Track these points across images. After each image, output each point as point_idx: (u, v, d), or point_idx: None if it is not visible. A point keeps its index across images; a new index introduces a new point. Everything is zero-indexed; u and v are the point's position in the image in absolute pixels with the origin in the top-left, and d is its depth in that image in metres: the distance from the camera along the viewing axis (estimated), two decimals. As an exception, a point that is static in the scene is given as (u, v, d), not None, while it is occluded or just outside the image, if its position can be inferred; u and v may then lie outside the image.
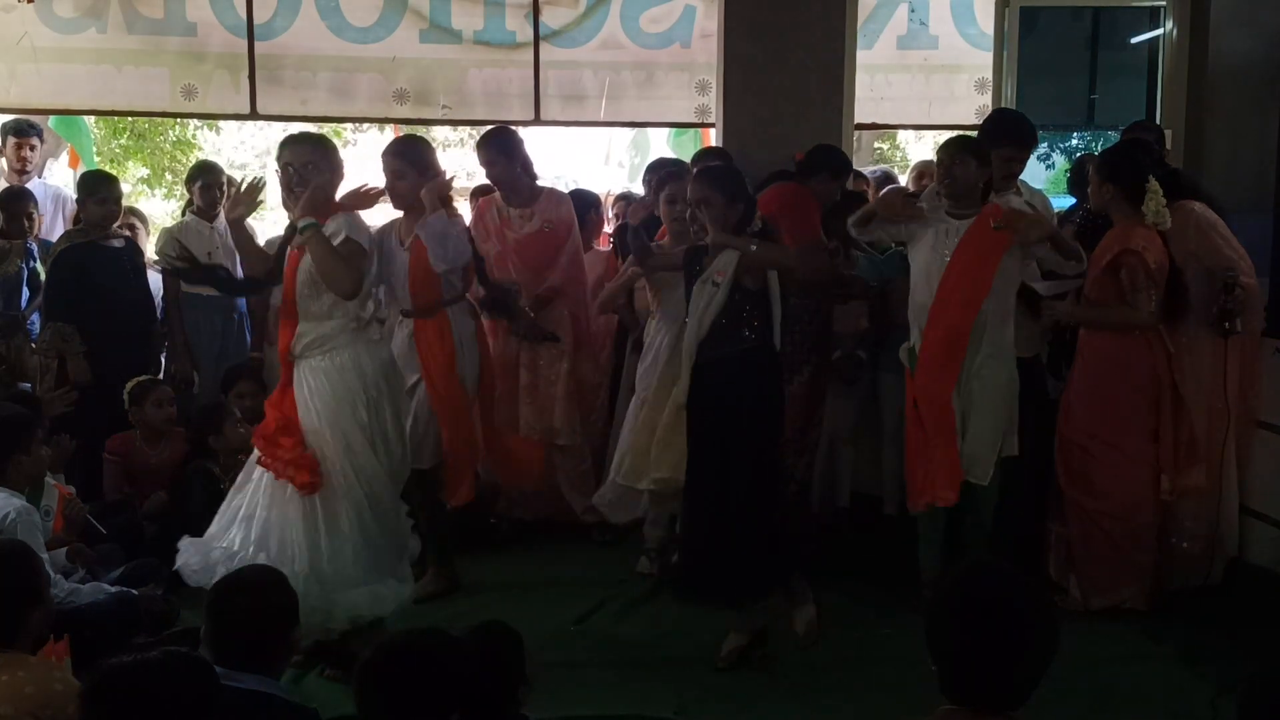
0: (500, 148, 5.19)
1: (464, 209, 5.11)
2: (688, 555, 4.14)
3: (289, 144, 3.93)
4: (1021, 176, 4.88)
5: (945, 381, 4.28)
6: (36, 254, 5.76)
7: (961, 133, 5.03)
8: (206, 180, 5.98)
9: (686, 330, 3.99)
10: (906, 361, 4.44)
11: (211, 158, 15.69)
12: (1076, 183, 6.65)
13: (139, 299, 5.68)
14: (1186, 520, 4.56)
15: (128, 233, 5.94)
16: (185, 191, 6.22)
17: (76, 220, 5.75)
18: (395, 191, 4.45)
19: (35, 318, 5.68)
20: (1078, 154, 8.21)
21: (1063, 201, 6.28)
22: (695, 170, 4.73)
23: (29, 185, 6.29)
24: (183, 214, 6.19)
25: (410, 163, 4.43)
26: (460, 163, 15.77)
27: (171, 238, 5.66)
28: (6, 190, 5.95)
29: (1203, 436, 4.53)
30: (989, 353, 4.29)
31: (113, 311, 5.46)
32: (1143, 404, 4.47)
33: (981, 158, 4.35)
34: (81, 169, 8.39)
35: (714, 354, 3.92)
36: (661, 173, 5.56)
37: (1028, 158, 4.85)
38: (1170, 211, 4.50)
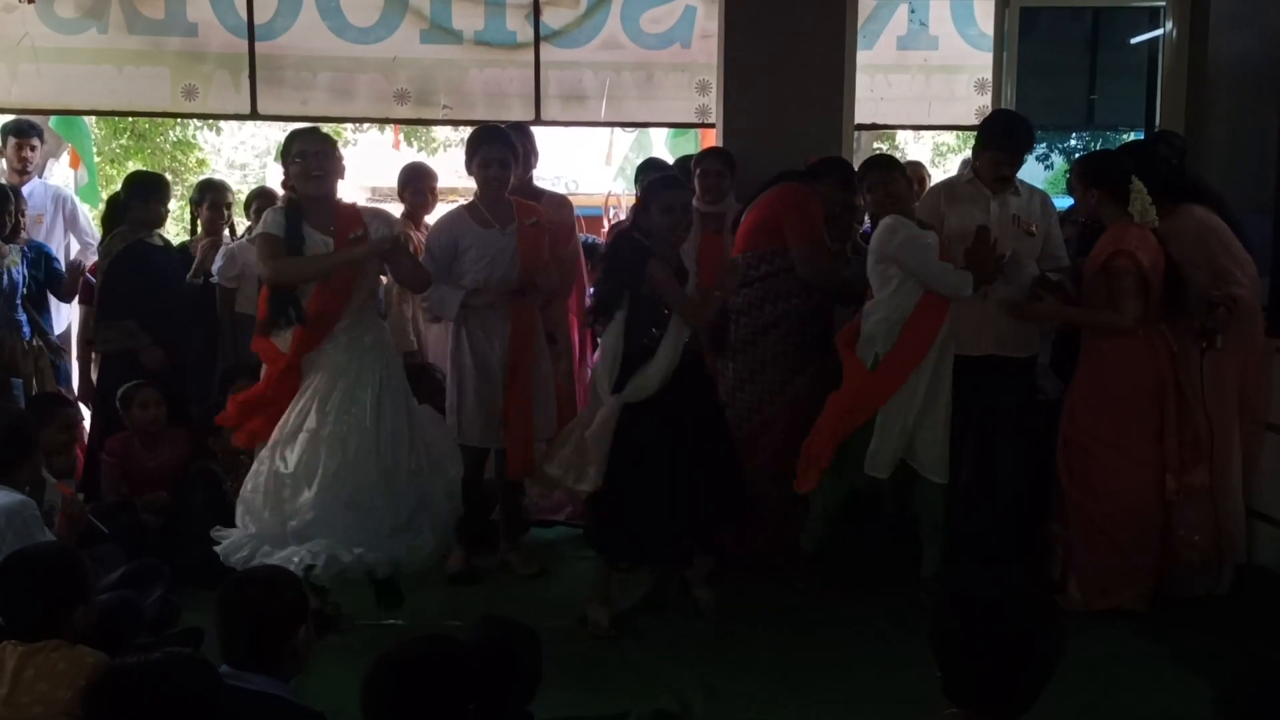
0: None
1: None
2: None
3: (301, 136, 4.24)
4: (1021, 176, 4.89)
5: (901, 377, 4.44)
6: (37, 254, 5.81)
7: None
8: (214, 199, 6.01)
9: (673, 331, 4.23)
10: (868, 361, 4.51)
11: (211, 158, 15.79)
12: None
13: (190, 295, 5.71)
14: (1193, 533, 4.54)
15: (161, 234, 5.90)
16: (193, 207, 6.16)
17: (120, 221, 5.71)
18: (502, 180, 4.85)
19: (24, 316, 5.68)
20: (1076, 154, 8.22)
21: (1063, 202, 6.29)
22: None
23: (30, 185, 6.32)
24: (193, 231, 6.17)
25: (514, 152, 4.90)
26: (461, 163, 15.83)
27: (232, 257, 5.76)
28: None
29: (1206, 436, 4.52)
30: (943, 355, 4.50)
31: (169, 308, 5.50)
32: (1147, 406, 4.46)
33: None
34: (82, 169, 8.41)
35: (693, 347, 4.27)
36: (654, 175, 5.54)
37: (1018, 163, 4.82)
38: (1171, 215, 4.49)
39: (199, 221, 6.04)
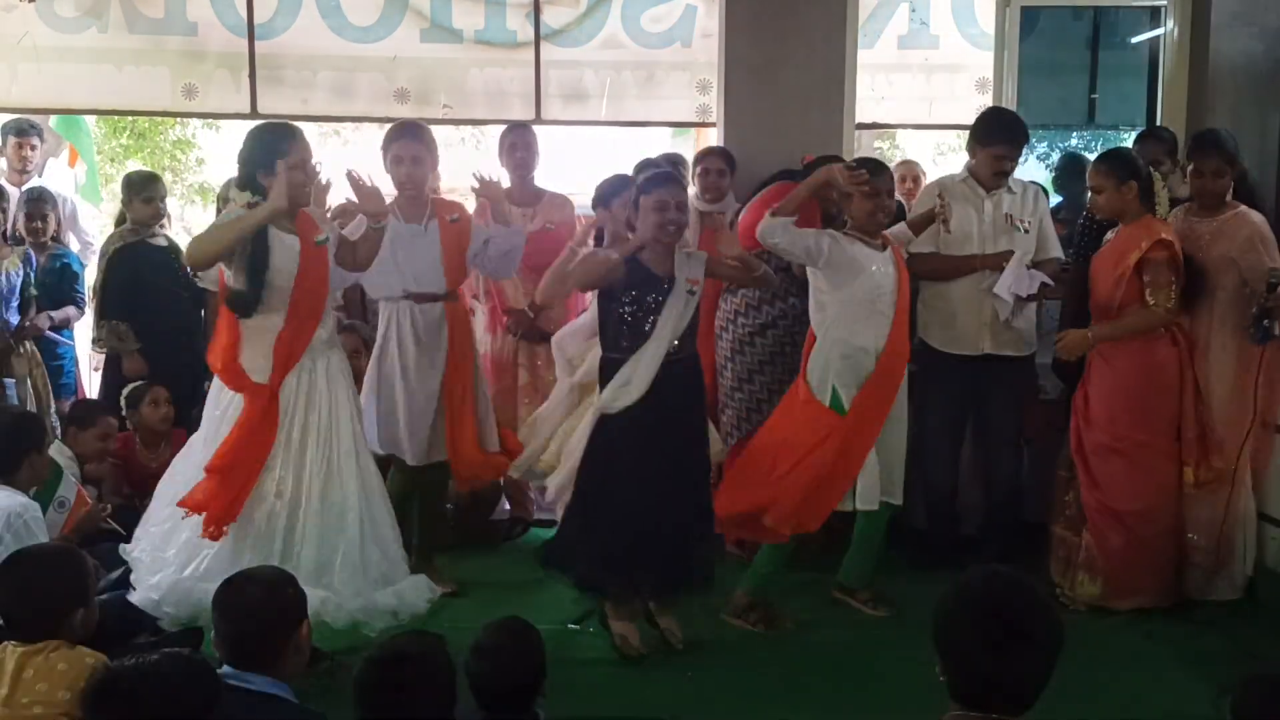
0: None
1: (468, 207, 5.12)
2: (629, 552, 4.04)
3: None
4: (1022, 175, 4.88)
5: (877, 426, 4.22)
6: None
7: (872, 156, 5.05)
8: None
9: (658, 337, 3.97)
10: (831, 403, 4.22)
11: (213, 157, 15.76)
12: (1063, 181, 6.62)
13: (189, 296, 5.70)
14: (1201, 537, 4.52)
15: (166, 234, 5.92)
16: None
17: (121, 220, 5.75)
18: (415, 179, 4.59)
19: (15, 318, 5.63)
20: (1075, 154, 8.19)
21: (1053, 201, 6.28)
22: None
23: (30, 185, 6.31)
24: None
25: (429, 148, 4.68)
26: (462, 162, 15.82)
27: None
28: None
29: (1219, 429, 4.50)
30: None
31: (165, 310, 5.50)
32: (1167, 401, 4.45)
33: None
34: (81, 168, 8.40)
35: (679, 356, 4.03)
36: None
37: (1018, 157, 4.84)
38: (1226, 213, 4.48)
39: None
